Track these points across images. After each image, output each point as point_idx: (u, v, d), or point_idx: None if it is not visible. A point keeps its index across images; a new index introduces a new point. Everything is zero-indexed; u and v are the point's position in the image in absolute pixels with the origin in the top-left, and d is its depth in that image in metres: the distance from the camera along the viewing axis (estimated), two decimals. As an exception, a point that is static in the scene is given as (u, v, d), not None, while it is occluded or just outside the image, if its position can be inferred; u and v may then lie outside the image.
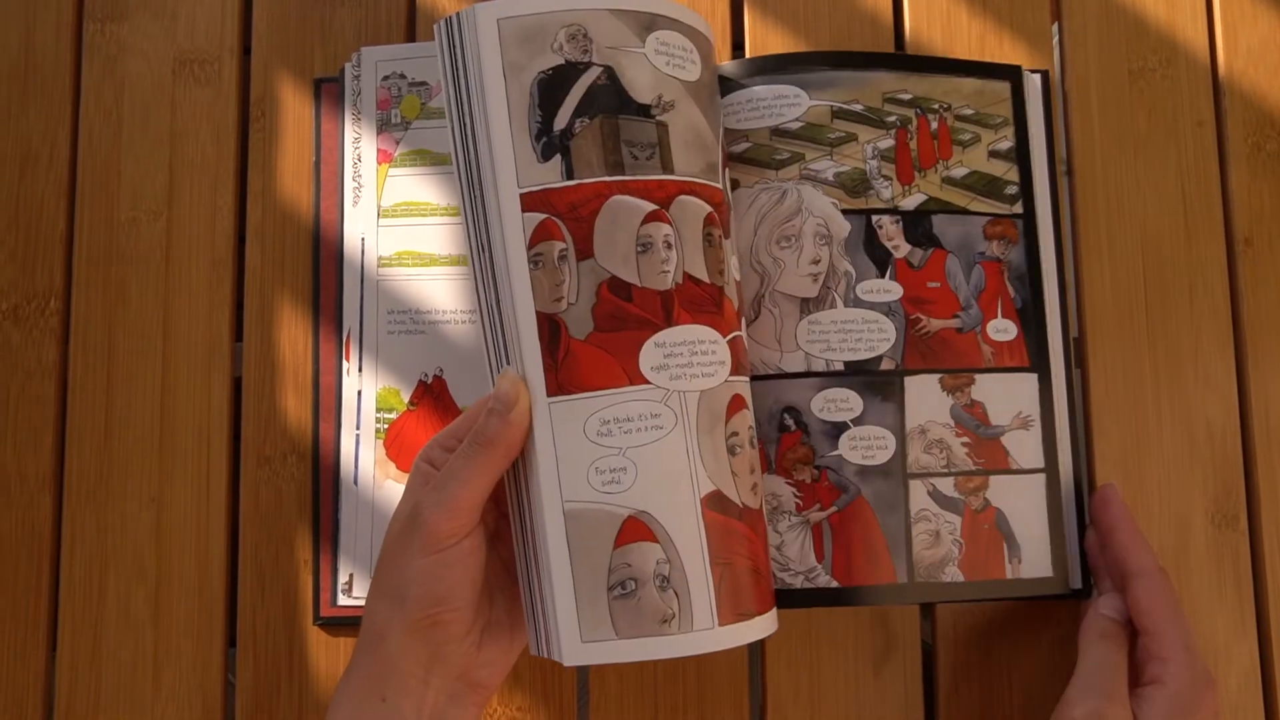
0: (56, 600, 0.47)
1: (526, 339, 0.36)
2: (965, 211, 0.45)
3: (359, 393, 0.46)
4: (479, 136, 0.36)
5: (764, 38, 0.50)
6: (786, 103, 0.44)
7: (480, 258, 0.37)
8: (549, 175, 0.36)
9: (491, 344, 0.37)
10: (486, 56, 0.36)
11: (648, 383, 0.36)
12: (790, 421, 0.42)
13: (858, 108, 0.44)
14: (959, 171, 0.45)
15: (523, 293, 0.36)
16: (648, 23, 0.38)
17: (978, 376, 0.43)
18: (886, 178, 0.44)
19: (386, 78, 0.48)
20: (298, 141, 0.49)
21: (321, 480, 0.46)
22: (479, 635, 0.37)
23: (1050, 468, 0.44)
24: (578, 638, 0.35)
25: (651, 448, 0.36)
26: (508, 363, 0.36)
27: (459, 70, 0.37)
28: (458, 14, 0.37)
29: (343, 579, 0.45)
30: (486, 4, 0.36)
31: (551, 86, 0.37)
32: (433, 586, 0.35)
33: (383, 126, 0.47)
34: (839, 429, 0.42)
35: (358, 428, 0.46)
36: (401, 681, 0.35)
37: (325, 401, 0.46)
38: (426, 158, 0.47)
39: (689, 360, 0.37)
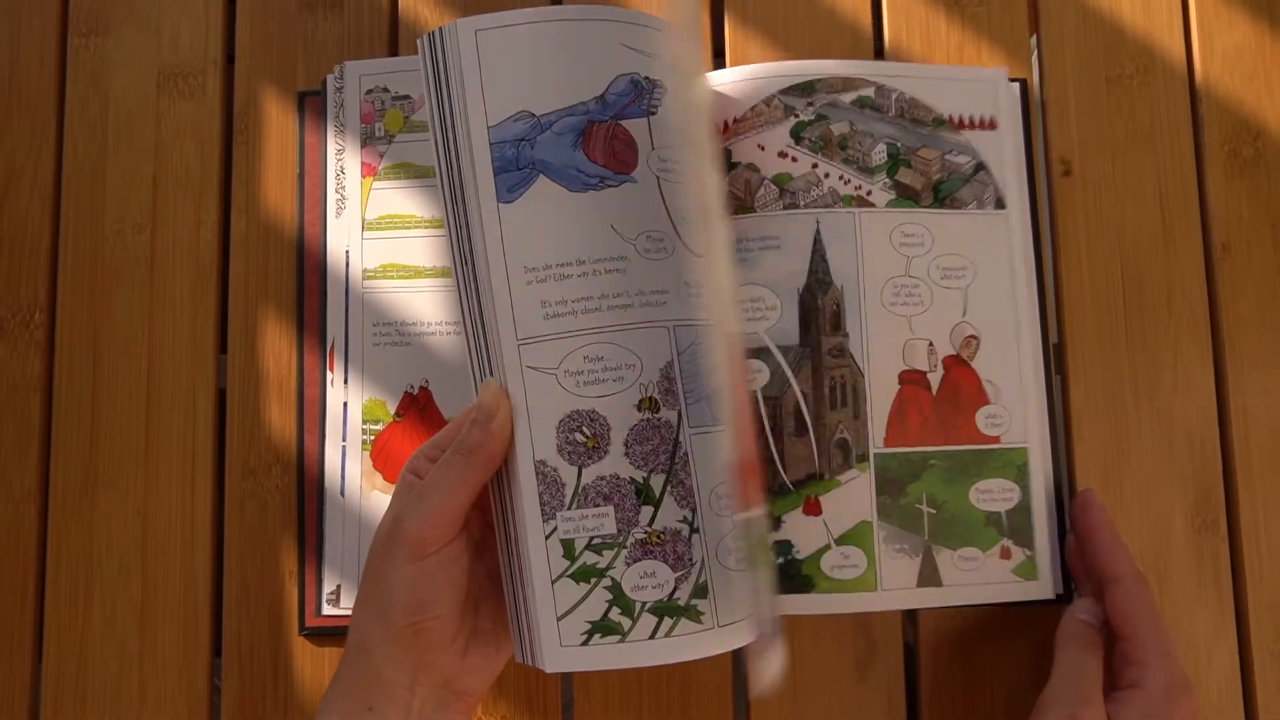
0: (42, 611, 0.47)
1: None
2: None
3: (344, 404, 0.46)
4: (461, 149, 0.37)
5: (744, 47, 0.50)
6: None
7: (463, 270, 0.37)
8: None
9: (474, 355, 0.37)
10: (467, 70, 0.37)
11: None
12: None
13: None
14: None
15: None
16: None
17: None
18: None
19: (370, 91, 0.48)
20: (281, 154, 0.49)
21: (306, 492, 0.46)
22: (464, 643, 0.37)
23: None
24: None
25: None
26: (490, 374, 0.37)
27: (441, 84, 0.37)
28: (440, 28, 0.37)
29: (328, 589, 0.45)
30: (468, 18, 0.37)
31: None
32: (415, 595, 0.35)
33: (366, 140, 0.48)
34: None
35: (343, 439, 0.46)
36: (387, 690, 0.35)
37: (310, 413, 0.47)
38: (410, 171, 0.47)
39: None
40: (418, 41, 0.38)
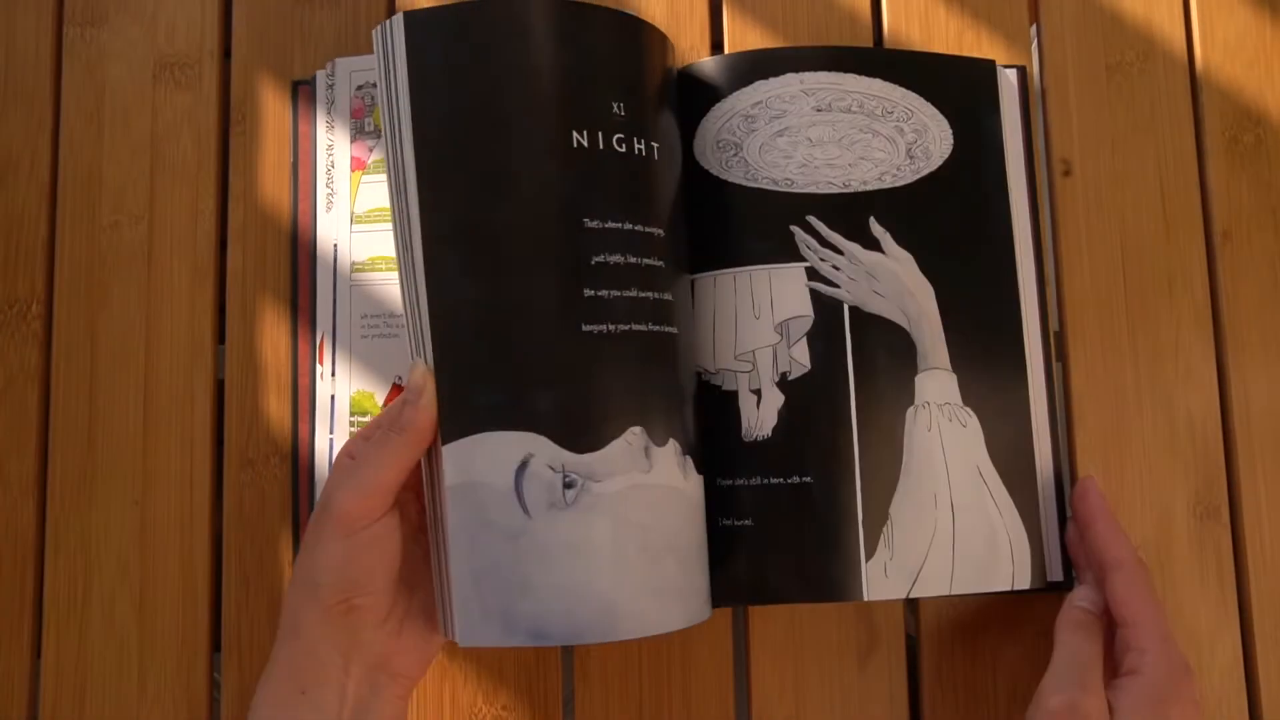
0: (41, 604, 0.47)
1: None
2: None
3: (332, 396, 0.46)
4: (402, 138, 0.37)
5: (743, 36, 0.50)
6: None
7: (404, 256, 0.37)
8: None
9: (411, 337, 0.38)
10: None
11: None
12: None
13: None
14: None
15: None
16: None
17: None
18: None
19: (360, 87, 0.48)
20: (278, 144, 0.49)
21: (301, 482, 0.46)
22: (398, 624, 0.37)
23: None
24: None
25: None
26: (423, 355, 0.37)
27: (390, 73, 0.37)
28: (389, 19, 0.37)
29: (327, 580, 0.45)
30: (411, 11, 0.37)
31: None
32: (346, 571, 0.35)
33: (356, 134, 0.48)
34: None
35: (332, 431, 0.46)
36: (320, 671, 0.35)
37: (305, 403, 0.47)
38: (402, 163, 0.47)
39: None
40: (373, 33, 0.38)
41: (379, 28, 0.37)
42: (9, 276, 0.49)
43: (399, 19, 0.37)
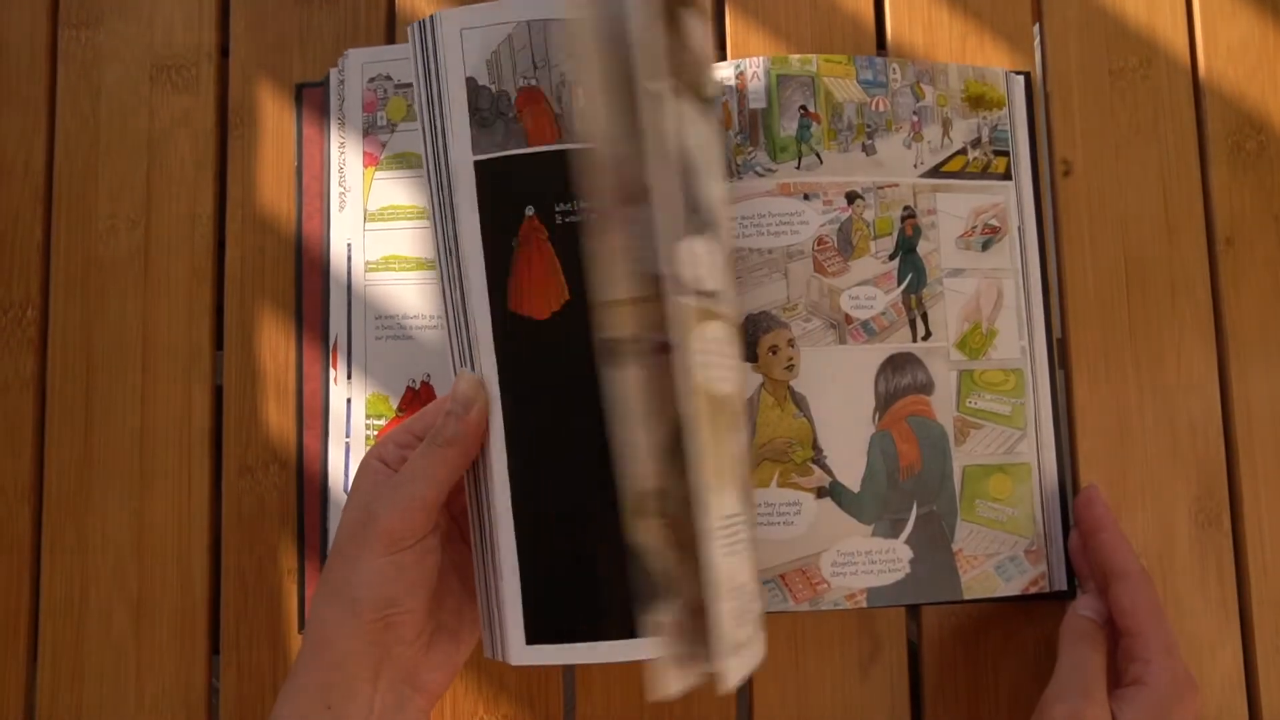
0: (37, 612, 0.47)
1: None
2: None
3: (348, 401, 0.46)
4: (448, 141, 0.36)
5: (745, 39, 0.49)
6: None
7: (447, 260, 0.37)
8: None
9: (455, 345, 0.37)
10: (451, 63, 0.36)
11: None
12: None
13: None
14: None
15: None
16: None
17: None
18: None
19: (372, 80, 0.47)
20: (277, 147, 0.49)
21: (306, 489, 0.46)
22: (428, 637, 0.37)
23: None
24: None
25: None
26: (469, 363, 0.36)
27: (430, 74, 0.37)
28: (431, 17, 0.37)
29: (327, 587, 0.45)
30: (452, 10, 0.37)
31: None
32: (387, 588, 0.35)
33: (368, 129, 0.47)
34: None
35: (348, 436, 0.45)
36: (349, 687, 0.35)
37: (310, 409, 0.46)
38: (412, 160, 0.47)
39: None
40: (408, 30, 0.37)
41: (417, 24, 0.37)
42: (3, 281, 0.49)
43: (448, 18, 0.36)
